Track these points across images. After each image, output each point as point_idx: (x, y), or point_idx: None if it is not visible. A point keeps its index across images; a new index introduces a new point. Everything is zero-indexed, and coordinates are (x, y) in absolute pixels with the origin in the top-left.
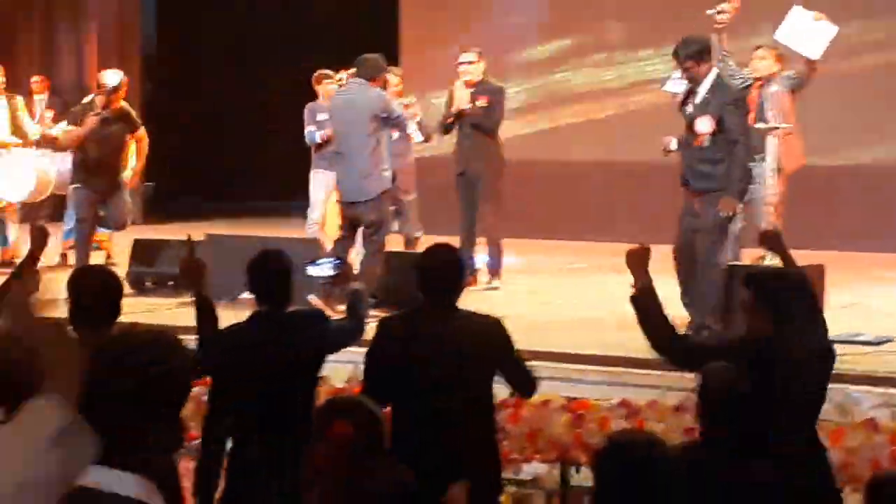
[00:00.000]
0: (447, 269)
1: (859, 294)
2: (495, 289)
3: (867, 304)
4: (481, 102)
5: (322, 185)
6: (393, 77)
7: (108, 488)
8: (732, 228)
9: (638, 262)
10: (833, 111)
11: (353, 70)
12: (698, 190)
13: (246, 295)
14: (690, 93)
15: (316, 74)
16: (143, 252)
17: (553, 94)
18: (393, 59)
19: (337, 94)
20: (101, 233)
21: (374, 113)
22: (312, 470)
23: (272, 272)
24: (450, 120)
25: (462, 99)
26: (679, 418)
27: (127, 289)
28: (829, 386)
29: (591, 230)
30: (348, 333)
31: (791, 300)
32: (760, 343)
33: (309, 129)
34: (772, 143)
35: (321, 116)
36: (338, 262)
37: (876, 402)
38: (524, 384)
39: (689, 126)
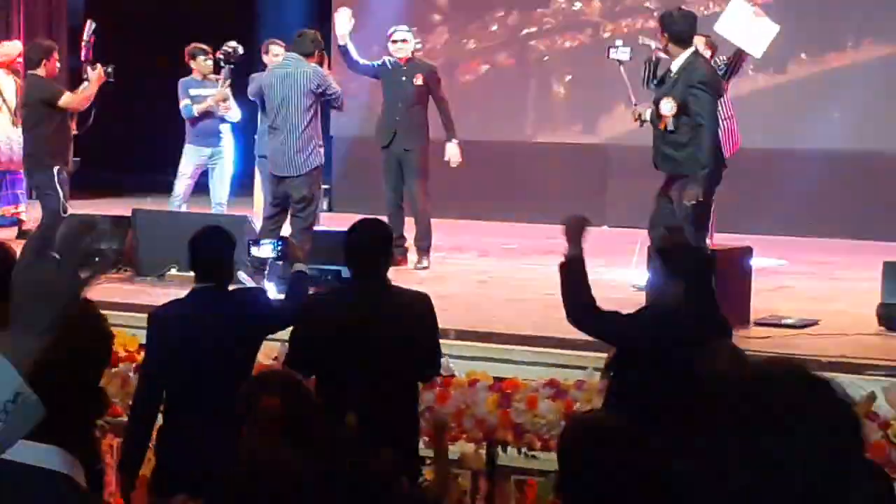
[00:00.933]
0: (374, 243)
1: (785, 277)
2: (425, 268)
3: (792, 287)
4: (417, 81)
5: (192, 160)
6: (276, 48)
7: (25, 461)
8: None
9: (574, 231)
10: (771, 94)
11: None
12: (667, 173)
13: (174, 271)
14: (653, 69)
15: (189, 48)
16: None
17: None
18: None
19: (273, 68)
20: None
21: (310, 88)
22: (245, 447)
23: (215, 248)
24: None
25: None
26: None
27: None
28: None
29: (525, 211)
30: (287, 314)
31: (700, 274)
32: (668, 313)
33: (184, 102)
34: None
35: (194, 91)
36: (281, 243)
37: None
38: (433, 364)
39: (656, 106)
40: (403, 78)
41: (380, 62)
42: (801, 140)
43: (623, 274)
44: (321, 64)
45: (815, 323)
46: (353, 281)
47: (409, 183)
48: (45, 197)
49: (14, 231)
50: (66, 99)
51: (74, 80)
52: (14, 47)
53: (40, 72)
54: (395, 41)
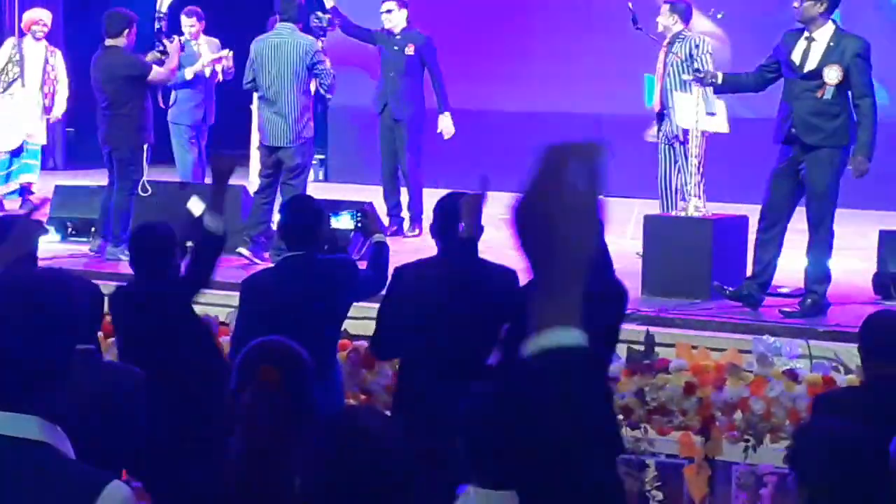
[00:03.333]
0: (305, 220)
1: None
2: (416, 236)
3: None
4: (409, 51)
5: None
6: (186, 18)
7: (2, 432)
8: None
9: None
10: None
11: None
12: (808, 145)
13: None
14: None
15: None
16: (64, 198)
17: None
18: None
19: (263, 38)
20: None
21: (304, 60)
22: (238, 416)
23: (306, 218)
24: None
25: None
26: None
27: (51, 234)
28: (751, 337)
29: (518, 181)
30: (373, 284)
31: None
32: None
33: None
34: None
35: None
36: (360, 213)
37: (795, 353)
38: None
39: (805, 76)
40: (395, 48)
41: (378, 29)
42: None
43: (618, 243)
44: (317, 35)
45: None
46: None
47: (401, 152)
48: (127, 172)
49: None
50: (155, 73)
51: (73, 51)
52: (40, 12)
53: (120, 42)
54: (381, 11)
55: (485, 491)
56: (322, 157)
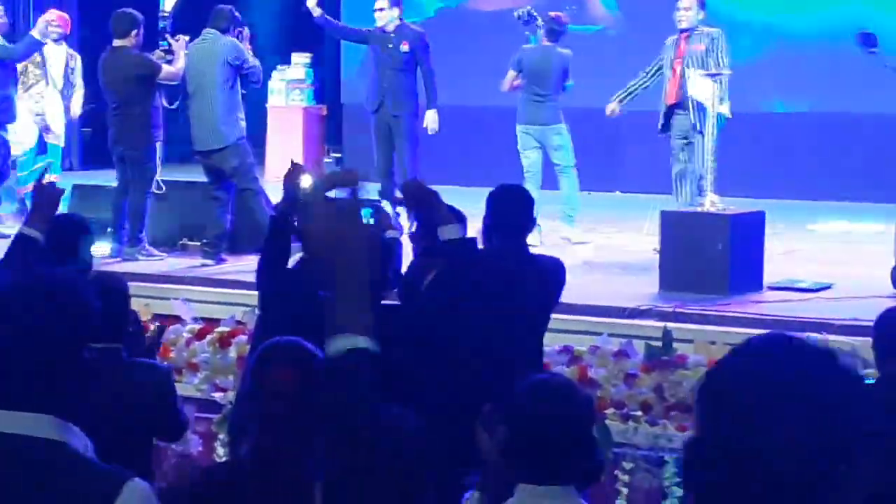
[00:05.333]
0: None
1: (799, 241)
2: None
3: (806, 251)
4: (404, 48)
5: None
6: None
7: (16, 431)
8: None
9: (417, 196)
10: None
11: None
12: None
13: (187, 241)
14: None
15: None
16: (81, 198)
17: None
18: None
19: (193, 45)
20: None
21: (225, 60)
22: (252, 416)
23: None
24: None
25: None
26: (620, 363)
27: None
28: (769, 332)
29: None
30: (387, 281)
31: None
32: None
33: None
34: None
35: None
36: (372, 210)
37: None
38: None
39: None
40: (390, 45)
41: (370, 28)
42: (809, 103)
43: (635, 239)
44: (240, 39)
45: (828, 287)
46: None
47: (399, 149)
48: (142, 171)
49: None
50: (165, 72)
51: (86, 51)
52: (53, 13)
53: (128, 43)
54: (374, 10)
55: (531, 486)
56: (338, 155)
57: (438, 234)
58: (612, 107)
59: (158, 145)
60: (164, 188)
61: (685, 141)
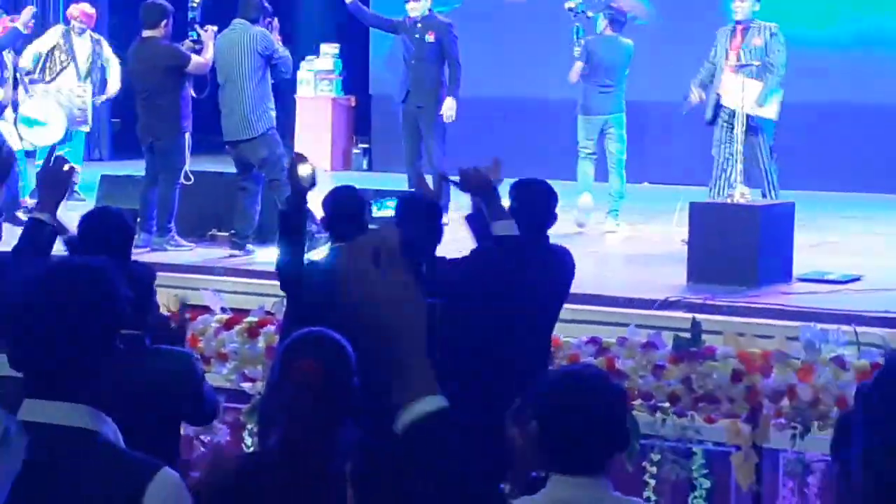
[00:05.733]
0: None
1: (827, 232)
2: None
3: (835, 242)
4: (430, 38)
5: None
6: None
7: (51, 420)
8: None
9: (474, 183)
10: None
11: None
12: None
13: (216, 231)
14: None
15: None
16: (110, 188)
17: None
18: None
19: (221, 35)
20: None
21: (255, 50)
22: (280, 406)
23: (354, 204)
24: None
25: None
26: (648, 355)
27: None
28: (798, 324)
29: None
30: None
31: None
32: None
33: None
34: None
35: None
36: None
37: (843, 340)
38: None
39: None
40: (416, 35)
41: (400, 18)
42: (842, 94)
43: (664, 230)
44: (270, 30)
45: (858, 278)
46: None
47: (426, 139)
48: (171, 162)
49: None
50: (195, 63)
51: (117, 42)
52: (78, 7)
53: (158, 33)
54: (406, 0)
55: (563, 477)
56: (366, 146)
57: (492, 229)
58: (695, 95)
59: (187, 136)
60: (192, 178)
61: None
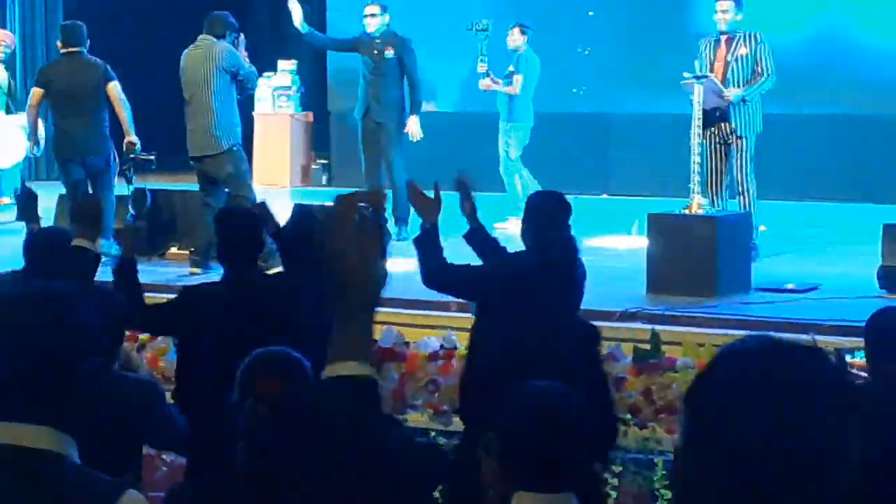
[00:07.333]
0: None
1: (788, 242)
2: (405, 239)
3: (795, 252)
4: (388, 53)
5: None
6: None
7: (14, 442)
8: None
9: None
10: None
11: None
12: None
13: (174, 249)
14: None
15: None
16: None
17: None
18: None
19: (187, 51)
20: None
21: (221, 66)
22: (240, 428)
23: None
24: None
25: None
26: (608, 367)
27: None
28: (757, 333)
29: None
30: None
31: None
32: (521, 266)
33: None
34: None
35: None
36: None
37: None
38: None
39: None
40: (375, 51)
41: (357, 35)
42: (796, 105)
43: (621, 242)
44: (236, 45)
45: (815, 287)
46: None
47: (386, 154)
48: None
49: None
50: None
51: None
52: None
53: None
54: (364, 15)
55: (528, 494)
56: (325, 161)
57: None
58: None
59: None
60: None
61: (724, 145)
